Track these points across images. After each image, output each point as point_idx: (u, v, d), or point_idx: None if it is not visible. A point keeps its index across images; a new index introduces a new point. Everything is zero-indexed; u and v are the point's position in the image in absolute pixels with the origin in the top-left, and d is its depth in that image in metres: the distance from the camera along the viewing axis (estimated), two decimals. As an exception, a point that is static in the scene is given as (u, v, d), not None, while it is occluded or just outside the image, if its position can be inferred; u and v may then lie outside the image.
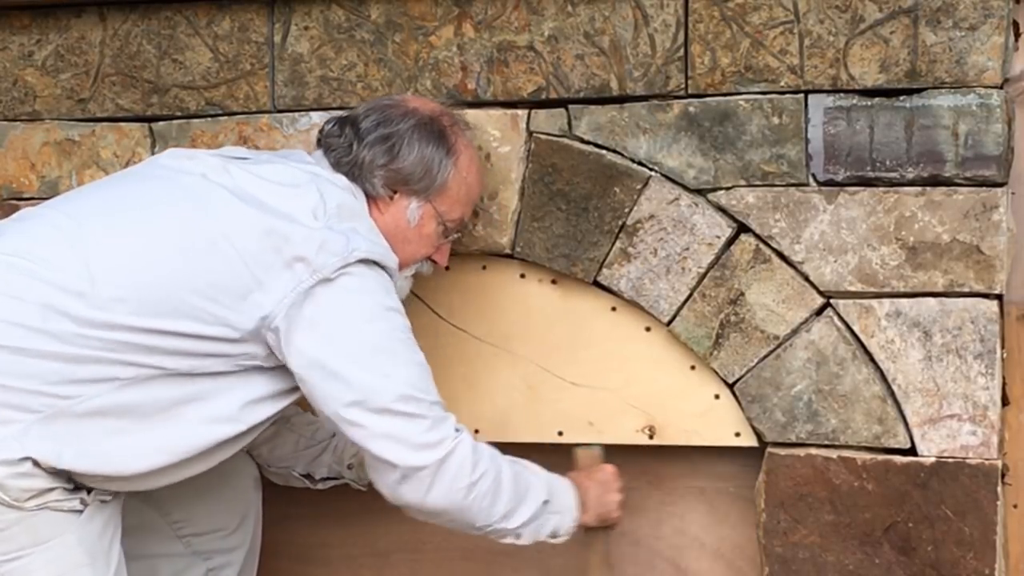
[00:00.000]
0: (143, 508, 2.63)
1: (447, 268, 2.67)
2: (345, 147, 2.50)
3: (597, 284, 2.67)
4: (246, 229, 2.33)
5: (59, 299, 2.26)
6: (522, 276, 2.73)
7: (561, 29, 2.65)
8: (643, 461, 2.75)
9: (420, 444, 2.33)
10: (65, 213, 2.39)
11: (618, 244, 2.64)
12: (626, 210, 2.63)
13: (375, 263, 2.37)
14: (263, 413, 2.39)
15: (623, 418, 2.69)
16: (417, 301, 2.76)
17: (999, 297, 2.48)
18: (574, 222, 2.67)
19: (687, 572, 2.82)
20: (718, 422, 2.63)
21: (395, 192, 2.51)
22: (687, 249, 2.60)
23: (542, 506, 2.45)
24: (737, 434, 2.62)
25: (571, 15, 2.65)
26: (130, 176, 2.54)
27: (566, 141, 2.67)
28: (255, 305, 2.31)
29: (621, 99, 2.63)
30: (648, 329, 2.65)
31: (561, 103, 2.67)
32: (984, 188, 2.45)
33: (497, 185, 2.71)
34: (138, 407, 2.29)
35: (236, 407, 2.36)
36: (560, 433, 2.73)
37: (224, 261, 2.31)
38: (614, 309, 2.67)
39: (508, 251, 2.72)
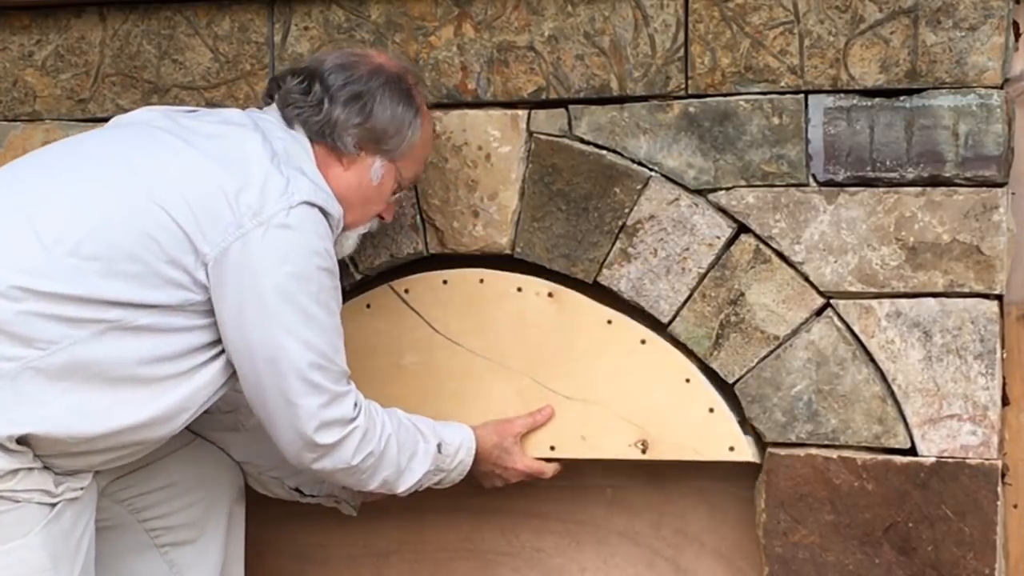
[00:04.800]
0: (122, 511, 2.60)
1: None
2: (314, 104, 2.48)
3: (597, 285, 2.67)
4: (190, 170, 2.33)
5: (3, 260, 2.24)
6: (519, 289, 2.70)
7: (561, 29, 2.65)
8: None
9: (319, 421, 2.37)
10: (11, 177, 2.39)
11: (618, 244, 2.64)
12: (626, 210, 2.63)
13: (316, 207, 2.36)
14: (206, 354, 2.37)
15: (616, 432, 2.66)
16: (413, 314, 2.75)
17: (999, 297, 2.47)
18: (574, 222, 2.66)
19: (687, 572, 2.82)
20: (712, 436, 2.61)
21: (362, 150, 2.50)
22: (687, 249, 2.60)
23: (425, 475, 2.54)
24: (731, 448, 2.60)
25: (571, 15, 2.65)
26: (71, 139, 2.57)
27: (566, 141, 2.67)
28: (194, 248, 2.29)
29: (621, 99, 2.63)
30: (643, 341, 2.63)
31: (561, 103, 2.67)
32: (984, 188, 2.45)
33: (497, 185, 2.71)
34: (88, 366, 2.25)
35: (184, 358, 2.33)
36: (552, 448, 2.71)
37: (169, 204, 2.29)
38: (610, 322, 2.65)
39: (508, 251, 2.72)
